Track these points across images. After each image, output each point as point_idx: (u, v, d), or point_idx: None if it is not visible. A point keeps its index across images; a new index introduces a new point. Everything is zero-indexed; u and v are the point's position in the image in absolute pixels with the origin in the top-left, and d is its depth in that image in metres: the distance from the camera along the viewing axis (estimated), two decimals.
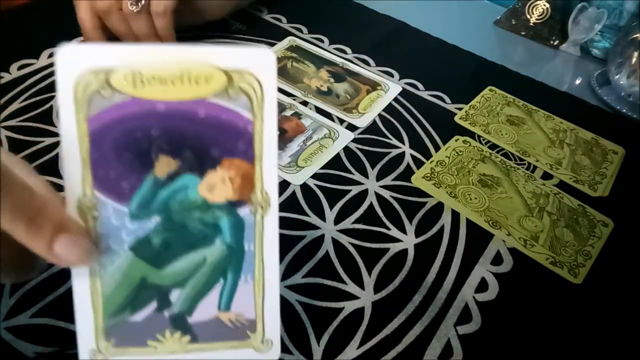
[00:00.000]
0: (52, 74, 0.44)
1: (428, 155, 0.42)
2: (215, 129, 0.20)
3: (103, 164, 0.19)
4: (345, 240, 0.35)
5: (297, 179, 0.38)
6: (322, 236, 0.35)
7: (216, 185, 0.20)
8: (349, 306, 0.31)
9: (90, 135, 0.19)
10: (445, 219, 0.37)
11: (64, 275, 0.30)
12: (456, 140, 0.44)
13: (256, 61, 0.19)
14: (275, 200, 0.21)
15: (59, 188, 0.35)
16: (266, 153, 0.20)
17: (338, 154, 0.41)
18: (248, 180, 0.21)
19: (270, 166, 0.21)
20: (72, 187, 0.19)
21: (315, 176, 0.39)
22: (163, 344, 0.21)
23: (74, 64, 0.18)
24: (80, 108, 0.19)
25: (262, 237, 0.21)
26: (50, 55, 0.46)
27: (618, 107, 0.51)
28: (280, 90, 0.47)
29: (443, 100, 0.49)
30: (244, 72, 0.19)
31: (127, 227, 0.20)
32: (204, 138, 0.20)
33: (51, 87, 0.43)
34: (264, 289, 0.22)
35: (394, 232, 0.36)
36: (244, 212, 0.21)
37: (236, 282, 0.22)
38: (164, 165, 0.20)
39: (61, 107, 0.19)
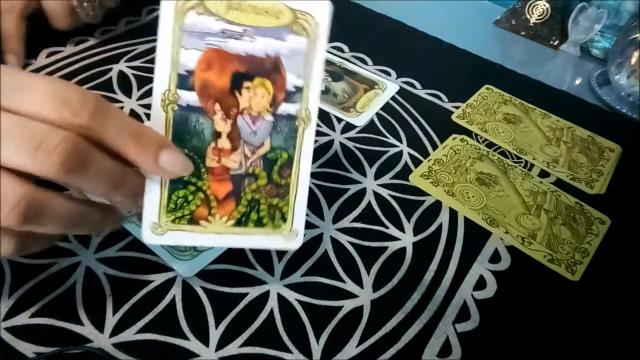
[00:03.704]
0: (51, 73, 0.45)
1: (426, 154, 0.42)
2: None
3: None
4: (343, 239, 0.35)
5: None
6: (321, 235, 0.35)
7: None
8: (347, 305, 0.31)
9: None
10: (443, 217, 0.37)
11: (64, 275, 0.30)
12: (453, 139, 0.44)
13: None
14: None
15: (60, 187, 0.35)
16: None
17: (336, 152, 0.41)
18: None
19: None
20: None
21: (314, 175, 0.39)
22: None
23: None
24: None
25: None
26: (49, 55, 0.46)
27: (618, 107, 0.51)
28: None
29: (440, 99, 0.49)
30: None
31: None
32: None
33: None
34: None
35: (392, 230, 0.36)
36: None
37: None
38: None
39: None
